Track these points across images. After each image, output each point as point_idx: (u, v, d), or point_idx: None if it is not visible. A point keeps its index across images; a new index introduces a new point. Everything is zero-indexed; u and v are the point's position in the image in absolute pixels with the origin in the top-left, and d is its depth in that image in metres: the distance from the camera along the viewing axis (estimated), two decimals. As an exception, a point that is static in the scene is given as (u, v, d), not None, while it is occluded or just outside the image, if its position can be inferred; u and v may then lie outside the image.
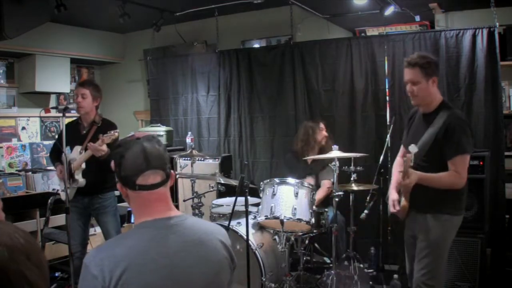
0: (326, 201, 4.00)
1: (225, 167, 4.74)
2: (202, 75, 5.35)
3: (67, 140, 3.32)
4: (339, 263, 3.71)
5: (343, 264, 3.73)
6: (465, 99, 4.00)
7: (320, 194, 3.95)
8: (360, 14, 4.92)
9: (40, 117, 5.63)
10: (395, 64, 4.29)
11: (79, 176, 3.44)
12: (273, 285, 3.33)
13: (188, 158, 4.35)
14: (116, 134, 3.28)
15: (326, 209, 3.59)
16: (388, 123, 4.30)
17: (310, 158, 4.05)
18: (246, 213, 2.96)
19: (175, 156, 4.55)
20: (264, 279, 3.25)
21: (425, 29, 5.11)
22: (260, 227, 3.58)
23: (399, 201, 2.78)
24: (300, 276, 3.58)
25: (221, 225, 3.19)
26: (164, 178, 1.45)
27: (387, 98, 4.36)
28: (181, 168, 4.70)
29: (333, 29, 5.46)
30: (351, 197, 3.75)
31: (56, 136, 4.88)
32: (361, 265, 3.76)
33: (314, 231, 3.46)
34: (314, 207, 3.38)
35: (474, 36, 3.94)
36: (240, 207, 3.17)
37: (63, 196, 3.46)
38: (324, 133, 4.20)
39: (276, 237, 3.36)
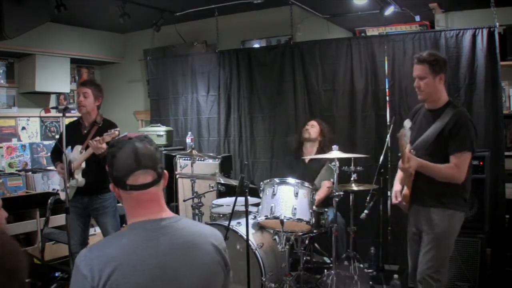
0: (326, 201, 3.99)
1: (225, 167, 4.74)
2: (202, 75, 5.35)
3: (67, 139, 3.32)
4: (339, 263, 3.71)
5: (343, 264, 3.73)
6: (465, 99, 4.00)
7: (320, 194, 3.95)
8: (360, 14, 4.91)
9: (40, 117, 5.62)
10: (395, 64, 4.29)
11: (79, 176, 3.45)
12: (273, 285, 3.33)
13: (188, 158, 4.35)
14: (117, 132, 3.28)
15: (326, 209, 3.60)
16: (388, 123, 4.30)
17: (308, 158, 4.05)
18: (246, 213, 2.96)
19: (175, 156, 4.55)
20: (264, 279, 3.25)
21: (425, 29, 5.10)
22: (260, 227, 3.57)
23: (401, 192, 2.80)
24: (300, 276, 3.57)
25: (221, 225, 3.23)
26: (156, 178, 1.43)
27: (387, 98, 4.36)
28: (181, 168, 4.70)
29: (333, 29, 5.45)
30: (351, 197, 3.75)
31: (57, 136, 4.88)
32: (361, 265, 3.76)
33: (314, 231, 3.46)
34: (314, 207, 3.38)
35: (474, 36, 3.94)
36: (240, 207, 3.17)
37: (62, 196, 3.46)
38: (314, 129, 4.20)
39: (276, 237, 3.36)
